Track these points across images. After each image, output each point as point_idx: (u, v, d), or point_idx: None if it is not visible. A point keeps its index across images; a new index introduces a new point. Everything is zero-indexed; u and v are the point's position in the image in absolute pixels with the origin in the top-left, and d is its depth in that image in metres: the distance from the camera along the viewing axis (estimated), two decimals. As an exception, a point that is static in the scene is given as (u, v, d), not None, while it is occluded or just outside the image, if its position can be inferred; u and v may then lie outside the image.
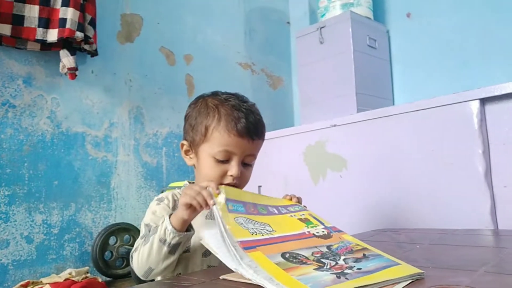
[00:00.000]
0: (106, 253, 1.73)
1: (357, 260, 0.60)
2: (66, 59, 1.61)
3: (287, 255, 0.58)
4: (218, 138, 0.80)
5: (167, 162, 2.05)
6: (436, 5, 2.21)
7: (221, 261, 0.83)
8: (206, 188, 0.69)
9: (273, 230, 0.65)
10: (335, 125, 1.73)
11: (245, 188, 0.86)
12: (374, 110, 1.65)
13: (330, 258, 0.60)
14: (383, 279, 0.52)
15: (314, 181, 1.78)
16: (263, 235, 0.63)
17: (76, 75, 1.66)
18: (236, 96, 0.87)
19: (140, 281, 0.80)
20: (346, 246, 0.67)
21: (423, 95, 1.92)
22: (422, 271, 0.55)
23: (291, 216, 0.75)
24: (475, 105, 1.31)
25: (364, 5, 2.30)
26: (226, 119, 0.81)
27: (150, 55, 2.06)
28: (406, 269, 0.56)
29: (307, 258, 0.59)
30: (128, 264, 1.75)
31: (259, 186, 1.85)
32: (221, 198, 0.67)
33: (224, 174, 0.81)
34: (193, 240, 0.84)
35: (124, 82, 1.94)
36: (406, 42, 2.35)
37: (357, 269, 0.56)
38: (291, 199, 0.84)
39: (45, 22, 1.57)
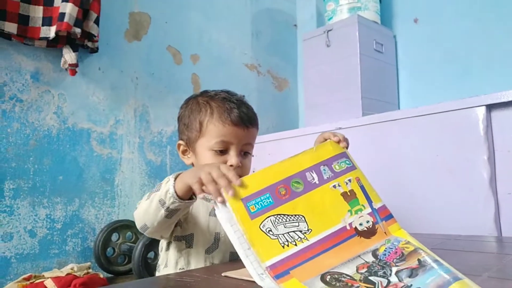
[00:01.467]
0: (108, 249, 1.74)
1: (412, 273, 0.51)
2: (68, 55, 1.62)
3: (327, 278, 0.49)
4: (213, 130, 0.82)
5: (171, 160, 2.05)
6: (443, 12, 2.21)
7: (223, 260, 0.83)
8: (225, 175, 0.58)
9: (308, 230, 0.54)
10: (340, 128, 1.73)
11: None
12: (379, 114, 1.65)
13: (379, 274, 0.51)
14: None
15: (318, 183, 1.78)
16: (296, 244, 0.52)
17: (76, 72, 1.68)
18: (225, 91, 0.89)
19: (141, 277, 0.81)
20: (394, 249, 0.56)
21: (428, 100, 1.91)
22: None
23: (334, 187, 0.61)
24: (481, 111, 1.31)
25: (372, 10, 2.30)
26: (219, 111, 0.83)
27: (157, 53, 2.07)
28: (470, 285, 0.48)
29: (352, 278, 0.50)
30: (129, 261, 1.75)
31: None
32: (236, 204, 0.53)
33: None
34: (196, 238, 0.85)
35: (130, 80, 1.95)
36: (413, 47, 2.34)
37: None
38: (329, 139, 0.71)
39: (49, 21, 1.60)
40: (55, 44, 1.65)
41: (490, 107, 1.31)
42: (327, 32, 2.28)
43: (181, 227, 0.84)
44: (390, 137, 1.57)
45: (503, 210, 1.26)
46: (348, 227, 0.57)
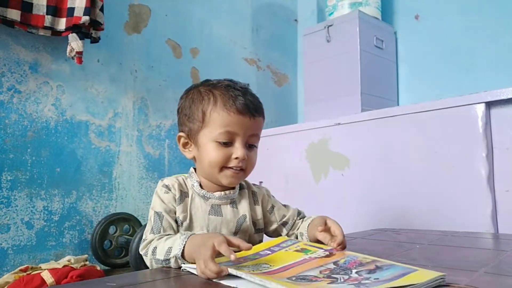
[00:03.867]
0: (106, 242, 1.74)
1: (370, 271, 0.56)
2: (75, 43, 1.59)
3: (293, 279, 0.53)
4: (218, 119, 0.76)
5: (170, 154, 2.05)
6: (444, 8, 2.20)
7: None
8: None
9: (270, 266, 0.60)
10: (339, 124, 1.73)
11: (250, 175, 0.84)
12: (379, 110, 1.64)
13: (341, 273, 0.56)
14: (407, 283, 0.49)
15: (316, 179, 1.78)
16: (261, 270, 0.57)
17: (82, 60, 1.66)
18: (228, 79, 0.83)
19: (139, 269, 0.80)
20: (354, 260, 0.62)
21: (428, 97, 1.91)
22: (443, 274, 0.52)
23: (286, 250, 0.69)
24: (481, 108, 1.31)
25: (373, 5, 2.29)
26: (223, 98, 0.77)
27: (156, 46, 2.06)
28: (426, 274, 0.52)
29: (316, 277, 0.54)
30: (126, 254, 1.75)
31: (260, 182, 1.85)
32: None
33: (228, 158, 0.77)
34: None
35: (129, 73, 1.94)
36: (413, 44, 2.34)
37: (375, 279, 0.52)
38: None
39: (53, 10, 1.58)
40: (59, 33, 1.62)
41: (490, 104, 1.30)
42: (328, 27, 2.27)
43: (181, 226, 0.81)
44: (389, 133, 1.57)
45: (500, 207, 1.26)
46: (307, 258, 0.64)
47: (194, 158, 0.84)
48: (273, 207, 0.89)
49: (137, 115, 1.95)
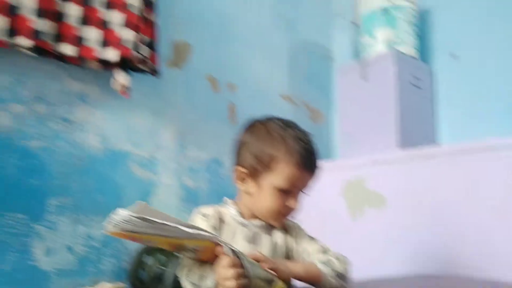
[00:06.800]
0: (141, 271, 1.75)
1: None
2: (123, 77, 1.68)
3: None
4: (286, 171, 0.82)
5: (207, 187, 2.08)
6: (482, 47, 2.19)
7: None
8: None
9: None
10: (376, 161, 1.72)
11: None
12: (417, 148, 1.63)
13: None
14: None
15: (352, 217, 1.75)
16: None
17: (128, 94, 1.75)
18: (292, 123, 0.89)
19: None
20: None
21: (468, 138, 1.87)
22: None
23: None
24: (528, 151, 1.27)
25: (409, 44, 2.30)
26: (294, 153, 0.83)
27: (196, 81, 2.14)
28: None
29: None
30: (162, 285, 1.76)
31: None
32: None
33: (283, 205, 0.84)
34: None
35: (171, 106, 2.02)
36: (452, 83, 2.32)
37: None
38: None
39: (103, 43, 1.66)
40: (108, 66, 1.70)
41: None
42: (364, 65, 2.30)
43: None
44: (429, 173, 1.54)
45: (553, 256, 1.19)
46: None
47: (247, 192, 0.88)
48: (296, 238, 0.90)
49: (177, 147, 2.01)
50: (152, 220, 0.60)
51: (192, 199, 2.01)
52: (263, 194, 0.84)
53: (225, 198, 0.91)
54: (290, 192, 0.84)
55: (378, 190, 1.66)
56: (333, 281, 0.79)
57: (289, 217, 0.88)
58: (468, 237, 1.36)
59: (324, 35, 2.89)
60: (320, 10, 2.89)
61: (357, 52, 2.70)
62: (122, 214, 0.60)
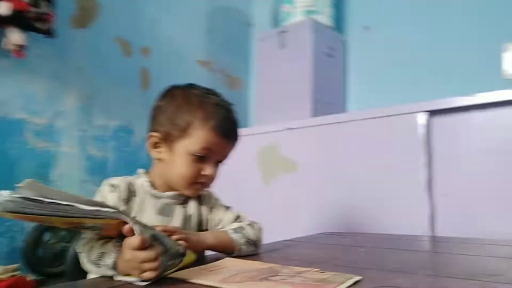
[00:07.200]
0: (40, 250, 1.61)
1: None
2: (17, 35, 1.47)
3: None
4: (203, 136, 0.78)
5: (115, 156, 1.95)
6: (392, 21, 2.30)
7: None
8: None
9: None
10: (289, 129, 1.74)
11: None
12: (327, 116, 1.67)
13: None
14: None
15: (266, 182, 1.77)
16: None
17: (24, 54, 1.54)
18: (214, 92, 0.84)
19: (75, 279, 0.74)
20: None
21: (374, 105, 1.98)
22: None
23: None
24: (423, 116, 1.36)
25: (325, 14, 2.34)
26: (213, 118, 0.78)
27: (104, 43, 1.96)
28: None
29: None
30: (62, 263, 1.64)
31: (210, 186, 1.81)
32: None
33: (198, 173, 0.79)
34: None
35: (74, 69, 1.83)
36: (362, 54, 2.42)
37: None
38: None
39: None
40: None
41: (431, 113, 1.36)
42: (282, 33, 2.29)
43: None
44: (337, 139, 1.60)
45: (438, 211, 1.32)
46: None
47: (159, 159, 0.82)
48: (211, 208, 0.88)
49: (80, 114, 1.84)
50: (39, 200, 0.52)
51: (98, 170, 1.88)
52: (177, 160, 0.78)
53: (139, 169, 0.86)
54: (206, 159, 0.79)
55: (291, 156, 1.70)
56: (244, 247, 0.77)
57: (205, 188, 0.83)
58: (369, 195, 1.45)
59: (245, 1, 2.82)
60: (239, -25, 2.81)
61: (276, 21, 2.69)
62: (3, 194, 0.51)
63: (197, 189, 0.81)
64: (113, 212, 0.57)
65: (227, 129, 0.80)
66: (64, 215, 0.54)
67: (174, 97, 0.82)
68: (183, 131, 0.78)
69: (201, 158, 0.78)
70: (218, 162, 0.82)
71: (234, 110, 0.84)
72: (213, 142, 0.78)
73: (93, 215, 0.55)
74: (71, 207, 0.54)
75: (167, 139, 0.80)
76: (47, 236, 1.64)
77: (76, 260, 0.88)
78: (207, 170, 0.79)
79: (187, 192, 0.81)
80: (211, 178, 0.80)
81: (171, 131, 0.79)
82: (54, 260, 1.65)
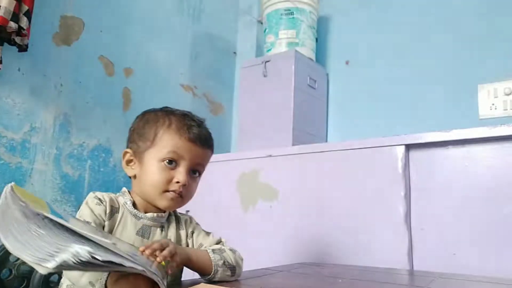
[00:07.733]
0: (4, 271, 1.52)
1: None
2: None
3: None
4: (168, 140, 0.78)
5: (91, 176, 1.90)
6: (373, 57, 2.39)
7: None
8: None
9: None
10: (270, 155, 1.74)
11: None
12: (309, 145, 1.69)
13: None
14: None
15: (244, 209, 1.76)
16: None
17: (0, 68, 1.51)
18: (187, 111, 0.86)
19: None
20: None
21: (353, 137, 2.02)
22: None
23: None
24: (401, 150, 1.40)
25: (308, 47, 2.41)
26: (178, 124, 0.80)
27: (87, 62, 1.95)
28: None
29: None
30: (28, 285, 1.55)
31: (187, 211, 1.78)
32: None
33: (170, 181, 0.78)
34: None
35: (54, 86, 1.81)
36: (343, 87, 2.49)
37: None
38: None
39: None
40: None
41: (409, 147, 1.40)
42: (265, 62, 2.34)
43: None
44: (317, 168, 1.61)
45: (416, 245, 1.33)
46: None
47: (134, 176, 0.83)
48: (192, 232, 0.87)
49: (58, 131, 1.80)
50: (98, 263, 0.48)
51: (73, 190, 1.82)
52: (148, 170, 0.79)
53: (124, 188, 0.86)
54: (176, 166, 0.79)
55: (271, 183, 1.70)
56: (221, 270, 0.75)
57: (179, 197, 0.80)
58: (347, 226, 1.45)
59: (230, 29, 2.88)
60: (226, 5, 2.88)
61: (260, 50, 2.75)
62: (75, 252, 0.46)
63: (170, 198, 0.79)
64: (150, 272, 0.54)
65: (193, 132, 0.80)
66: (116, 270, 0.52)
67: (145, 116, 0.86)
68: (151, 142, 0.80)
69: (170, 163, 0.78)
70: (192, 171, 0.81)
71: (203, 122, 0.86)
72: (179, 145, 0.78)
73: (139, 271, 0.53)
74: (124, 267, 0.50)
75: (137, 153, 0.82)
76: (13, 257, 1.56)
77: (43, 283, 0.85)
78: (178, 176, 0.78)
79: (162, 204, 0.79)
80: (184, 186, 0.78)
81: (140, 144, 0.81)
82: (21, 282, 1.57)
